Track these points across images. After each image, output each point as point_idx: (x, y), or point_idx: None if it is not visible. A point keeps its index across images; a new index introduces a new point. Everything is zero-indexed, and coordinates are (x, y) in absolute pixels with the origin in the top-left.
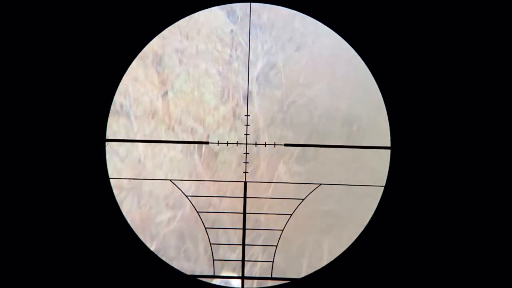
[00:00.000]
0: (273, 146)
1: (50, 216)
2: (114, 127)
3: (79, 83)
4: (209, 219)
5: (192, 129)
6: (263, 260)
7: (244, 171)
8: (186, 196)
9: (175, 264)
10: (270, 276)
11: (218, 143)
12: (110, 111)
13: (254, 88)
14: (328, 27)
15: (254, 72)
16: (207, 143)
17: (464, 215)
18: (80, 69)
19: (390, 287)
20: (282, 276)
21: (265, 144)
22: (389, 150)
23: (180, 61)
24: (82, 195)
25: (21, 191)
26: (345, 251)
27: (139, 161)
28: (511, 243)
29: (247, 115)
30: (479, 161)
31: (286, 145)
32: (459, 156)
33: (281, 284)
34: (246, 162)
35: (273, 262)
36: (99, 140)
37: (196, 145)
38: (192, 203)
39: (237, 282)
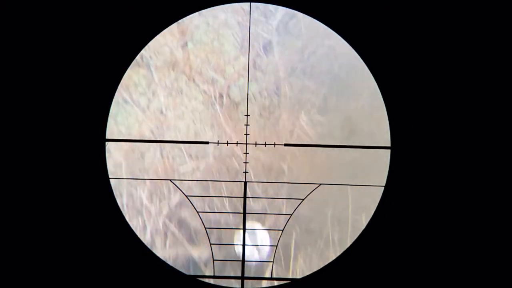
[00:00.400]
0: (273, 146)
1: (50, 215)
2: (135, 78)
3: (79, 85)
4: (208, 218)
5: (212, 79)
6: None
7: (244, 171)
8: (186, 196)
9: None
10: (270, 276)
11: (218, 143)
12: (131, 64)
13: (274, 38)
14: (328, 27)
15: (273, 22)
16: (207, 143)
17: (462, 214)
18: (81, 71)
19: (391, 286)
20: (284, 277)
21: (265, 144)
22: (389, 150)
23: (200, 13)
24: (82, 194)
25: (22, 190)
26: (345, 250)
27: (161, 112)
28: (509, 242)
29: (247, 115)
30: (478, 160)
31: (286, 145)
32: (458, 156)
33: (282, 284)
34: (246, 162)
35: (273, 262)
36: (99, 140)
37: (217, 96)
38: (192, 203)
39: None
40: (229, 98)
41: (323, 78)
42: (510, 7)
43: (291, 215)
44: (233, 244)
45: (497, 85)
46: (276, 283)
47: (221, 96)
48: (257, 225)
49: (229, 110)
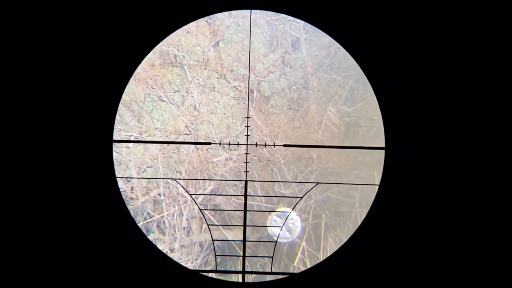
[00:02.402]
0: (273, 146)
1: (59, 213)
2: (169, 77)
3: (87, 88)
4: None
5: (243, 76)
6: (263, 256)
7: (245, 170)
8: (190, 194)
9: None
10: (270, 271)
11: (220, 143)
12: (164, 62)
13: (301, 35)
14: (325, 32)
15: (301, 21)
16: (209, 143)
17: (455, 212)
18: (89, 74)
19: (385, 282)
20: (283, 272)
21: (265, 145)
22: (384, 151)
23: (230, 14)
24: (90, 193)
25: (33, 188)
26: (341, 247)
27: (195, 107)
28: (501, 238)
29: (247, 117)
30: (470, 161)
31: (284, 145)
32: (450, 157)
33: (281, 279)
34: (247, 162)
35: (272, 257)
36: (107, 141)
37: (247, 91)
38: (193, 198)
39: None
40: (260, 93)
41: (349, 72)
42: (497, 13)
43: (293, 208)
44: (235, 240)
45: (489, 87)
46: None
47: (251, 91)
48: (287, 209)
49: (260, 104)
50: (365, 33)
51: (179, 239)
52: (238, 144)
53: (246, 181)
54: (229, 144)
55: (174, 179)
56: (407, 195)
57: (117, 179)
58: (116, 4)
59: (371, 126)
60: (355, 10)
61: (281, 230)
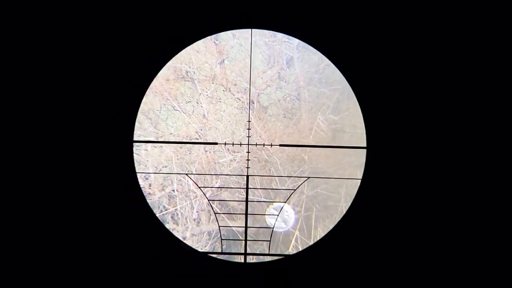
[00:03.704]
0: (270, 146)
1: (91, 205)
2: (182, 89)
3: (112, 99)
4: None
5: (245, 89)
6: (262, 239)
7: (247, 166)
8: (199, 187)
9: None
10: (268, 252)
11: (225, 143)
12: (177, 77)
13: (295, 54)
14: (317, 50)
15: (294, 41)
16: (216, 143)
17: (426, 201)
18: (113, 87)
19: (363, 262)
20: (279, 253)
21: (264, 145)
22: (365, 150)
23: (233, 35)
24: (114, 186)
25: (68, 183)
26: (327, 233)
27: (203, 116)
28: (467, 222)
29: (249, 121)
30: (438, 157)
31: (280, 145)
32: (421, 155)
33: (277, 260)
34: (248, 159)
35: (270, 241)
36: (128, 141)
37: (249, 101)
38: (203, 192)
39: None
40: (259, 103)
41: (335, 86)
42: (475, 25)
43: (285, 202)
44: (238, 227)
45: (459, 91)
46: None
47: (252, 102)
48: (282, 204)
49: (259, 113)
50: (352, 52)
51: (190, 229)
52: (240, 144)
53: (247, 176)
54: (232, 144)
55: (186, 174)
56: (385, 189)
57: (137, 176)
58: (132, 30)
59: (354, 132)
60: (345, 31)
61: (276, 219)
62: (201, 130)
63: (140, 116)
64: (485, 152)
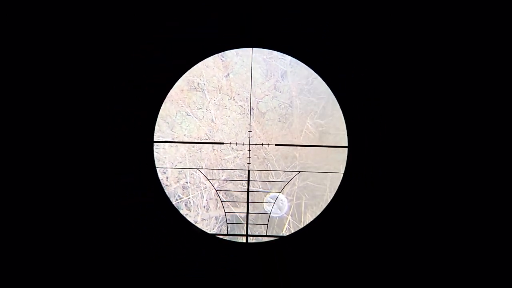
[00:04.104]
0: (268, 145)
1: (117, 196)
2: (193, 98)
3: (137, 106)
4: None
5: (246, 98)
6: (261, 223)
7: (248, 162)
8: (208, 179)
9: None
10: (265, 234)
11: (230, 143)
12: (190, 88)
13: (288, 69)
14: (306, 65)
15: (287, 58)
16: (222, 143)
17: (399, 192)
18: (137, 96)
19: (345, 242)
20: (275, 234)
21: (262, 144)
22: (347, 149)
23: (237, 53)
24: (137, 179)
25: (97, 178)
26: (315, 218)
27: (212, 120)
28: (445, 212)
29: (250, 124)
30: (412, 153)
31: (276, 145)
32: (398, 152)
33: (273, 240)
34: (249, 156)
35: (267, 224)
36: (149, 141)
37: (250, 108)
38: (212, 183)
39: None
40: (258, 110)
41: (322, 95)
42: (462, 33)
43: (280, 192)
44: (241, 212)
45: (435, 95)
46: (270, 239)
47: (252, 108)
48: (277, 194)
49: (258, 118)
50: (336, 67)
51: (201, 214)
52: (243, 144)
53: (248, 170)
54: (236, 143)
55: (198, 169)
56: (363, 181)
57: (157, 170)
58: (153, 47)
59: (338, 134)
60: (330, 49)
61: (273, 206)
62: (210, 132)
63: (159, 120)
64: (459, 150)
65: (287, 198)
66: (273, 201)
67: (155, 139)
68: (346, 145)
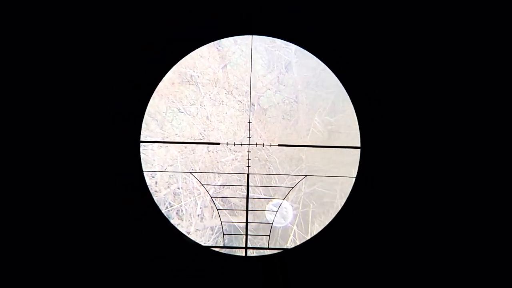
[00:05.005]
0: (270, 146)
1: (100, 201)
2: (186, 92)
3: (120, 96)
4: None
5: (246, 92)
6: (262, 234)
7: (247, 165)
8: (203, 184)
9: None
10: (267, 246)
11: (227, 143)
12: (182, 81)
13: (293, 59)
14: (314, 55)
15: (292, 47)
16: (218, 143)
17: (419, 200)
18: (120, 91)
19: (356, 255)
20: (278, 247)
21: (263, 144)
22: (359, 150)
23: (235, 41)
24: (122, 184)
25: (80, 180)
26: (324, 228)
27: (207, 117)
28: (458, 218)
29: (249, 122)
30: (434, 156)
31: (280, 145)
32: (418, 154)
33: (275, 253)
34: (249, 159)
35: (269, 235)
36: (135, 141)
37: (249, 104)
38: (207, 189)
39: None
40: (259, 105)
41: (331, 89)
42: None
43: (284, 199)
44: (240, 222)
45: (452, 92)
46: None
47: (252, 104)
48: (280, 201)
49: (259, 115)
50: (346, 56)
51: (194, 224)
52: (242, 144)
53: (248, 174)
54: (234, 144)
55: (191, 172)
56: (378, 186)
57: (144, 174)
58: (138, 35)
59: (349, 133)
60: (340, 36)
61: (275, 215)
62: (205, 131)
63: (147, 118)
64: (478, 150)
65: (292, 206)
66: (276, 209)
67: (142, 138)
68: (359, 145)
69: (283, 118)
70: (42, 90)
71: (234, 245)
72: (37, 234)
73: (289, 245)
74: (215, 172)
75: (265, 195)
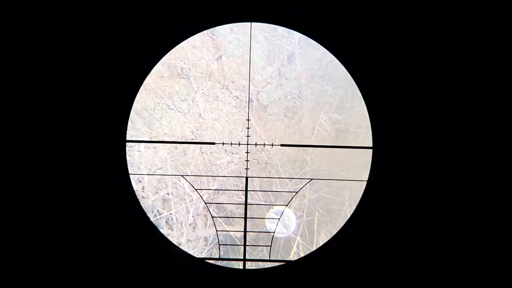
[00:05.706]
0: (270, 146)
1: (82, 208)
2: (176, 87)
3: (102, 91)
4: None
5: (243, 86)
6: (262, 245)
7: (245, 167)
8: (196, 189)
9: None
10: (268, 258)
11: (223, 143)
12: (172, 74)
13: (296, 50)
14: (320, 44)
15: (296, 36)
16: (213, 143)
17: (435, 205)
18: (104, 85)
19: (368, 270)
20: (280, 259)
21: (264, 145)
22: (371, 150)
23: (231, 29)
24: (105, 189)
25: (59, 185)
26: (331, 238)
27: (200, 115)
28: (475, 225)
29: (248, 120)
30: (453, 159)
31: (281, 145)
32: (429, 155)
33: (277, 266)
34: (247, 160)
35: (270, 246)
36: (120, 141)
37: (247, 100)
38: (200, 195)
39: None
40: (258, 101)
41: (339, 83)
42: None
43: (287, 205)
44: (237, 231)
45: (471, 89)
46: (274, 264)
47: (251, 100)
48: (282, 208)
49: (259, 112)
50: (357, 46)
51: (186, 234)
52: (239, 144)
53: (246, 178)
54: (231, 144)
55: (182, 176)
56: (392, 192)
57: (130, 178)
58: (123, 24)
59: (359, 132)
60: (349, 24)
61: (277, 224)
62: (197, 130)
63: (133, 115)
64: (498, 151)
65: (295, 214)
66: (278, 218)
67: (127, 138)
68: (371, 146)
69: (285, 116)
70: (17, 86)
71: (231, 257)
72: (8, 240)
73: (292, 257)
74: (209, 175)
75: (265, 201)
